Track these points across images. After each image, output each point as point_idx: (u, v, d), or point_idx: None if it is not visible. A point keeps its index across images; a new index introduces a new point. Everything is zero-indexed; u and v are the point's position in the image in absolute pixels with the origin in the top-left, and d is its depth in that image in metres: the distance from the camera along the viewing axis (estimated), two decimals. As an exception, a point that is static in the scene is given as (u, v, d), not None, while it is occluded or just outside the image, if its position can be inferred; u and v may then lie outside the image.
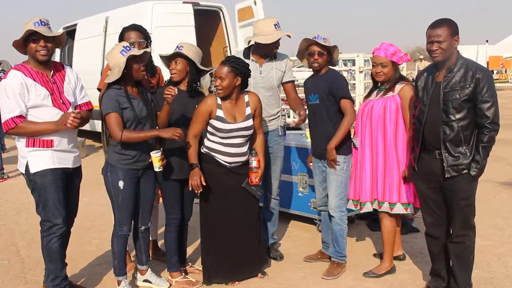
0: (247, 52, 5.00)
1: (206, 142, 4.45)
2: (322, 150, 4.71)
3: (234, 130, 4.37)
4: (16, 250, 5.53)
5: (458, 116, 3.81)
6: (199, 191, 4.34)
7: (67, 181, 4.18)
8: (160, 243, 5.28)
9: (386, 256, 4.70)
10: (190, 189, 4.35)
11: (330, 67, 4.84)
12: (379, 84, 4.59)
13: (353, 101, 4.74)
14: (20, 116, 3.90)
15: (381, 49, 4.47)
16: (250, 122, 4.45)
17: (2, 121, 3.92)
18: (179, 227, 4.62)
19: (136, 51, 4.07)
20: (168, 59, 4.48)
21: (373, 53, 4.55)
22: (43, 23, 3.97)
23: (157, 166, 4.12)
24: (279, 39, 4.86)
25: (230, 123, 4.34)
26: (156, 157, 4.09)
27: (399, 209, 4.53)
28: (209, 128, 4.38)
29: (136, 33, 4.68)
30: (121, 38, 4.69)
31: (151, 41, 4.81)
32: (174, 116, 4.39)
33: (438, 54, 3.85)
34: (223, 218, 4.48)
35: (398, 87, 4.47)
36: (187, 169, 4.38)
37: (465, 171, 3.85)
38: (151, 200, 4.48)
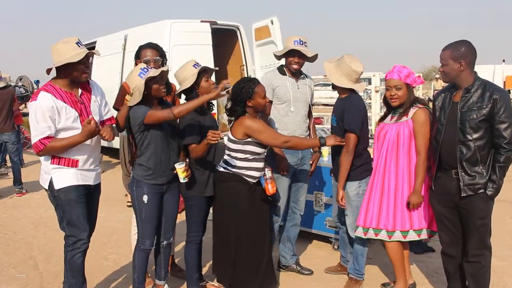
0: (281, 69, 5.04)
1: (239, 163, 4.35)
2: (335, 169, 4.80)
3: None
4: (34, 264, 5.59)
5: (475, 136, 3.85)
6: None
7: (88, 197, 4.24)
8: (177, 259, 5.32)
9: (399, 279, 4.60)
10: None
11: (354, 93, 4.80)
12: (394, 108, 4.50)
13: (356, 135, 4.58)
14: (48, 137, 3.92)
15: (394, 72, 4.41)
16: None
17: (32, 142, 3.97)
18: (199, 245, 4.65)
19: (153, 72, 4.12)
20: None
21: (386, 77, 4.52)
22: (81, 44, 4.06)
23: (182, 177, 4.17)
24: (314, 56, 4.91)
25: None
26: (180, 168, 4.16)
27: (412, 236, 4.44)
28: (252, 147, 4.32)
29: (152, 51, 4.74)
30: (137, 55, 4.77)
31: (166, 59, 4.87)
32: (188, 132, 4.39)
33: (442, 76, 4.05)
34: (249, 234, 4.37)
35: (412, 111, 4.38)
36: (210, 187, 4.45)
37: (481, 190, 3.87)
38: (175, 216, 4.53)
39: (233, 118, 4.45)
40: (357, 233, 4.60)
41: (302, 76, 5.05)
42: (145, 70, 4.15)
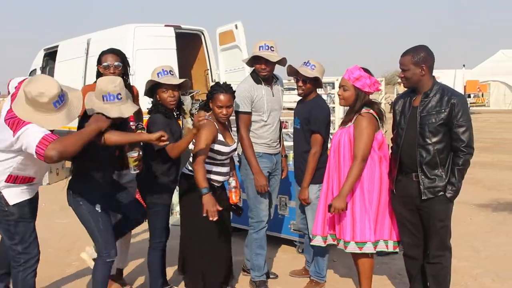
0: (255, 76, 4.88)
1: None
2: (298, 174, 4.86)
3: (231, 152, 4.48)
4: None
5: (434, 139, 3.92)
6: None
7: None
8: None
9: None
10: (204, 215, 4.11)
11: (319, 92, 4.87)
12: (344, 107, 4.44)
13: (322, 136, 4.66)
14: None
15: (347, 71, 4.28)
16: (236, 145, 4.60)
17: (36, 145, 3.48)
18: (163, 251, 4.62)
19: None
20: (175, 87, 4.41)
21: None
22: None
23: (132, 166, 4.03)
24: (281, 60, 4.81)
25: (228, 145, 4.42)
26: (132, 157, 4.00)
27: (352, 247, 4.27)
28: (209, 153, 4.33)
29: (113, 56, 4.68)
30: (99, 61, 4.73)
31: (129, 66, 4.82)
32: (174, 141, 4.35)
33: (403, 81, 4.10)
34: (212, 233, 4.41)
35: (355, 117, 4.25)
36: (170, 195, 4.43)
37: (441, 193, 3.94)
38: (134, 198, 4.50)
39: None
40: (315, 242, 4.55)
41: (274, 80, 4.99)
42: (112, 97, 3.86)
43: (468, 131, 3.89)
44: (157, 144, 3.90)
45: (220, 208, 4.15)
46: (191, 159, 4.43)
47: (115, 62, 4.64)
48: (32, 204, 3.94)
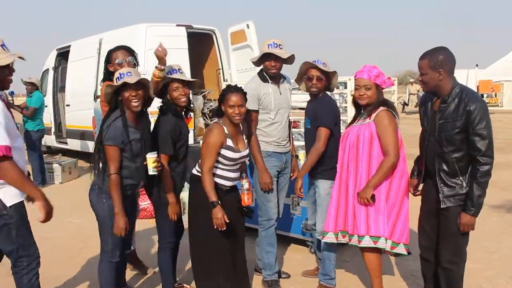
0: (262, 75, 4.92)
1: None
2: (311, 172, 4.85)
3: (240, 158, 4.39)
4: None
5: (450, 148, 3.79)
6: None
7: None
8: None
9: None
10: (215, 227, 4.17)
11: (327, 92, 4.89)
12: (362, 110, 4.38)
13: (333, 130, 4.69)
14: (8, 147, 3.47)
15: (364, 71, 4.27)
16: (248, 151, 4.53)
17: None
18: (174, 250, 4.62)
19: (128, 79, 3.93)
20: (186, 83, 4.45)
21: (355, 76, 4.39)
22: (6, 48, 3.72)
23: (151, 168, 4.04)
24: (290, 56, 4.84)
25: (238, 151, 4.34)
26: (151, 158, 4.03)
27: (367, 242, 4.23)
28: (217, 157, 4.31)
29: (123, 52, 4.71)
30: (108, 60, 4.74)
31: (138, 61, 4.82)
32: (183, 142, 4.44)
33: (422, 86, 3.96)
34: (221, 237, 4.37)
35: (374, 113, 4.24)
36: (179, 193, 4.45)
37: (461, 202, 3.80)
38: (134, 224, 4.53)
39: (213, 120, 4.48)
40: (327, 239, 4.51)
41: (282, 80, 5.01)
42: (126, 74, 3.98)
43: (485, 139, 3.67)
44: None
45: (228, 221, 4.16)
46: (200, 161, 4.42)
47: (127, 58, 4.67)
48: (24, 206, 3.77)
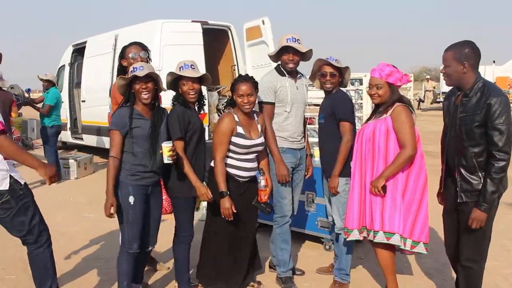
0: (279, 69, 4.92)
1: (227, 160, 4.47)
2: (326, 168, 4.84)
3: (253, 146, 4.45)
4: (24, 266, 5.54)
5: (469, 142, 3.74)
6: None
7: None
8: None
9: (389, 284, 4.42)
10: (223, 217, 4.33)
11: (341, 88, 4.89)
12: (379, 107, 4.34)
13: (353, 124, 4.74)
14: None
15: (376, 69, 4.26)
16: (263, 139, 4.57)
17: None
18: (188, 245, 4.63)
19: (139, 72, 4.10)
20: (195, 80, 4.43)
21: (371, 73, 4.38)
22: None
23: (166, 156, 4.07)
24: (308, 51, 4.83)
25: (250, 139, 4.43)
26: (167, 146, 4.06)
27: (380, 237, 4.19)
28: (230, 146, 4.42)
29: (136, 47, 4.80)
30: (122, 55, 4.83)
31: (150, 57, 4.89)
32: (193, 132, 4.41)
33: (445, 79, 3.92)
34: (229, 230, 4.53)
35: (391, 109, 4.21)
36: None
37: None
38: (159, 219, 4.52)
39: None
40: (352, 236, 4.43)
41: (299, 75, 4.99)
42: (138, 68, 4.14)
43: (503, 134, 3.59)
44: None
45: (235, 211, 4.27)
46: (213, 151, 4.46)
47: (140, 52, 4.74)
48: None
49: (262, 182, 4.48)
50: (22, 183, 3.88)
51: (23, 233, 3.98)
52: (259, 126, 4.56)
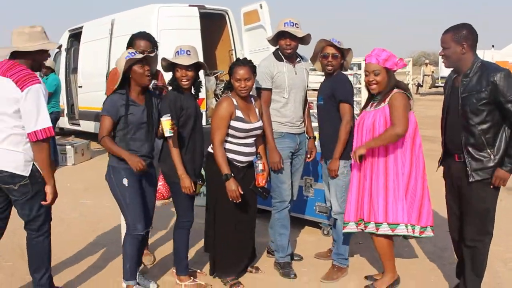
0: (277, 54, 4.85)
1: (225, 144, 4.44)
2: (325, 151, 4.80)
3: (252, 129, 4.43)
4: (21, 252, 5.52)
5: (477, 120, 3.76)
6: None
7: None
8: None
9: (387, 272, 4.46)
10: (230, 199, 4.34)
11: (342, 71, 4.83)
12: (376, 94, 4.32)
13: (352, 106, 4.69)
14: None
15: (372, 55, 4.22)
16: (261, 122, 4.54)
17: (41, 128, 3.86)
18: (188, 230, 4.60)
19: (138, 56, 4.11)
20: (187, 67, 4.34)
21: (365, 60, 4.34)
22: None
23: (167, 130, 4.05)
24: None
25: (249, 122, 4.40)
26: (166, 120, 4.04)
27: (385, 229, 4.21)
28: (229, 130, 4.39)
29: (146, 43, 4.72)
30: (130, 44, 4.73)
31: (157, 48, 4.83)
32: (187, 117, 4.36)
33: (444, 60, 3.95)
34: (231, 216, 4.53)
35: (389, 96, 4.18)
36: (197, 171, 4.45)
37: (489, 176, 3.79)
38: (153, 204, 4.52)
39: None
40: (348, 229, 4.45)
41: (298, 59, 4.93)
42: (133, 53, 4.12)
43: None
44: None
45: (242, 192, 4.28)
46: (211, 135, 4.43)
47: (148, 49, 4.66)
48: None
49: (259, 166, 4.48)
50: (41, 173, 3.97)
51: (30, 217, 4.06)
52: (257, 110, 4.53)
